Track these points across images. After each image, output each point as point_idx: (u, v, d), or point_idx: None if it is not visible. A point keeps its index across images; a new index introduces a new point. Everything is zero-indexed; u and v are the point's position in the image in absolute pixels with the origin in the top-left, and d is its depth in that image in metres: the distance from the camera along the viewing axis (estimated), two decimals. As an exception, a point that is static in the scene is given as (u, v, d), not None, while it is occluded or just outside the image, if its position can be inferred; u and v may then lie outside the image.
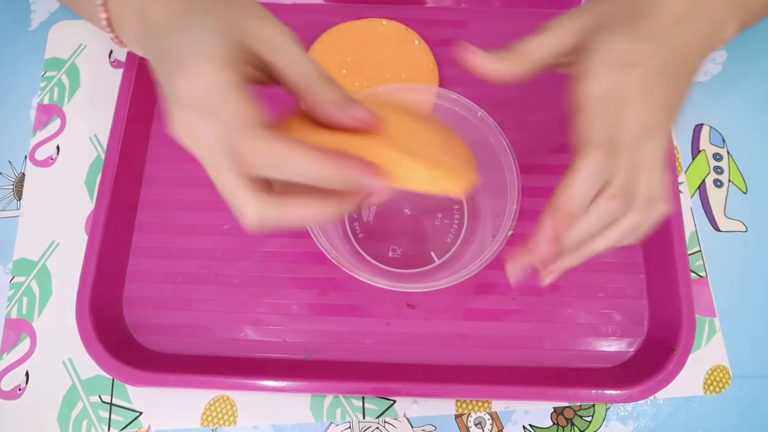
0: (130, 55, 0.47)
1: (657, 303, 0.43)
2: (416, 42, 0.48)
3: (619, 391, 0.39)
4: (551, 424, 0.41)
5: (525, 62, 0.34)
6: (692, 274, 0.44)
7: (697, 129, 0.49)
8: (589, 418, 0.42)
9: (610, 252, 0.37)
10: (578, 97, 0.32)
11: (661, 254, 0.42)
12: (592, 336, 0.42)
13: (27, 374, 0.42)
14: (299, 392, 0.41)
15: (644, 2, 0.33)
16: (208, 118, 0.27)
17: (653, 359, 0.40)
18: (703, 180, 0.47)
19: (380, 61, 0.48)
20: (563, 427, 0.41)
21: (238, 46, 0.28)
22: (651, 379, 0.39)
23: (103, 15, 0.34)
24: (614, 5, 0.34)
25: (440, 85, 0.48)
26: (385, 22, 0.49)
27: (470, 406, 0.42)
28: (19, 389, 0.42)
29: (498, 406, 0.42)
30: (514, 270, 0.33)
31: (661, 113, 0.32)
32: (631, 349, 0.42)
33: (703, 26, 0.33)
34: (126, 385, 0.42)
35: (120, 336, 0.42)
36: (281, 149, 0.27)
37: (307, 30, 0.50)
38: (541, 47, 0.34)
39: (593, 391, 0.39)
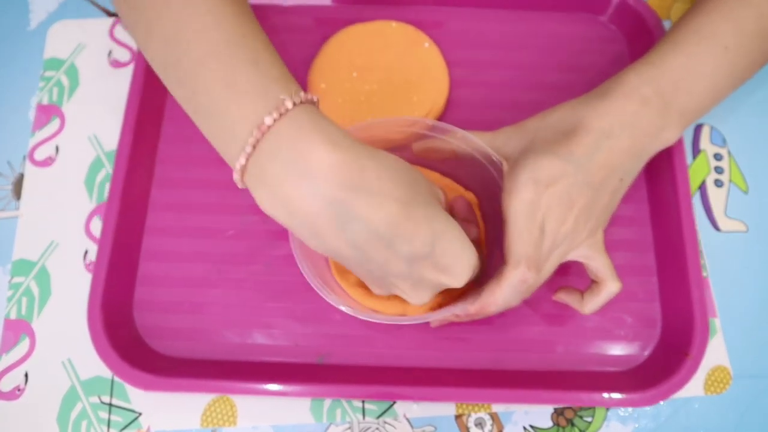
0: (138, 56, 0.47)
1: (669, 306, 0.43)
2: (426, 44, 0.48)
3: (632, 395, 0.39)
4: (551, 424, 0.41)
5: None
6: (693, 275, 0.44)
7: (698, 129, 0.49)
8: (589, 419, 0.41)
9: (622, 256, 0.41)
10: (504, 211, 0.36)
11: (673, 258, 0.42)
12: (604, 340, 0.42)
13: (26, 375, 0.42)
14: (313, 396, 0.41)
15: (573, 120, 0.37)
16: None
17: (666, 363, 0.40)
18: (704, 180, 0.47)
19: (390, 64, 0.47)
20: (563, 428, 0.41)
21: None
22: (665, 383, 0.39)
23: (243, 159, 0.29)
24: (547, 123, 0.38)
25: (450, 87, 0.47)
26: (394, 24, 0.48)
27: (470, 407, 0.42)
28: (19, 390, 0.42)
29: (498, 406, 0.41)
30: (436, 324, 0.41)
31: (579, 225, 0.36)
32: (645, 353, 0.42)
33: (629, 141, 0.37)
34: (126, 385, 0.42)
35: (131, 340, 0.42)
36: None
37: (316, 32, 0.50)
38: (483, 141, 0.39)
39: (606, 395, 0.39)
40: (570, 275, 0.43)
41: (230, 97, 0.30)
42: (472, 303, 0.37)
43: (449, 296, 0.40)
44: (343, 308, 0.37)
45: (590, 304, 0.39)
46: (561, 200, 0.35)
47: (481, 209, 0.43)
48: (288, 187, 0.28)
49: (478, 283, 0.40)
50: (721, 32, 0.38)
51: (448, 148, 0.40)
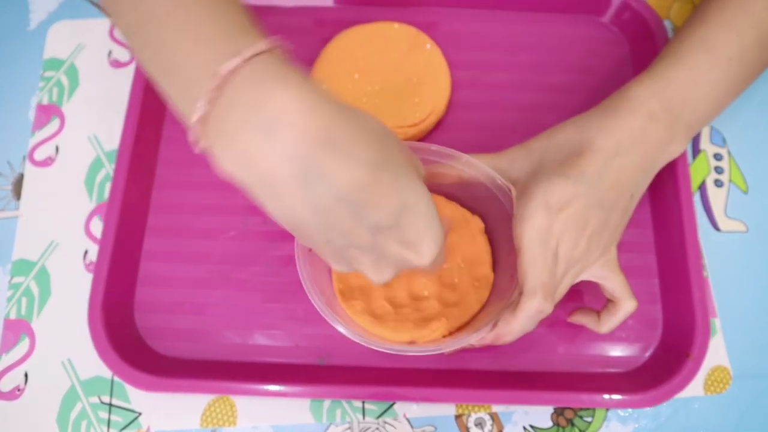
0: None
1: (670, 308, 0.43)
2: (428, 45, 0.48)
3: (633, 397, 0.39)
4: (551, 424, 0.41)
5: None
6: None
7: (698, 129, 0.49)
8: (589, 419, 0.41)
9: (623, 257, 0.40)
10: (517, 238, 0.35)
11: (674, 259, 0.42)
12: (605, 341, 0.42)
13: (26, 375, 0.42)
14: (314, 397, 0.41)
15: (580, 139, 0.36)
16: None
17: (667, 364, 0.40)
18: (704, 180, 0.47)
19: (392, 65, 0.47)
20: (563, 428, 0.41)
21: None
22: (666, 384, 0.39)
23: (200, 110, 0.27)
24: (554, 143, 0.38)
25: (452, 89, 0.47)
26: (396, 25, 0.48)
27: (470, 407, 0.42)
28: (18, 390, 0.42)
29: (498, 406, 0.41)
30: (450, 352, 0.40)
31: (592, 246, 0.36)
32: (645, 354, 0.42)
33: (638, 157, 0.36)
34: (126, 385, 0.42)
35: (132, 341, 0.42)
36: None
37: (318, 33, 0.50)
38: (487, 164, 0.39)
39: (607, 397, 0.39)
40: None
41: (191, 47, 0.28)
42: (488, 332, 0.37)
43: (459, 325, 0.40)
44: (356, 339, 0.36)
45: (608, 324, 0.39)
46: (575, 224, 0.35)
47: (489, 233, 0.43)
48: (246, 138, 0.26)
49: (489, 309, 0.40)
50: (723, 44, 0.38)
51: (453, 173, 0.40)
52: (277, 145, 0.25)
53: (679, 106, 0.37)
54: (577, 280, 0.38)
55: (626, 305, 0.38)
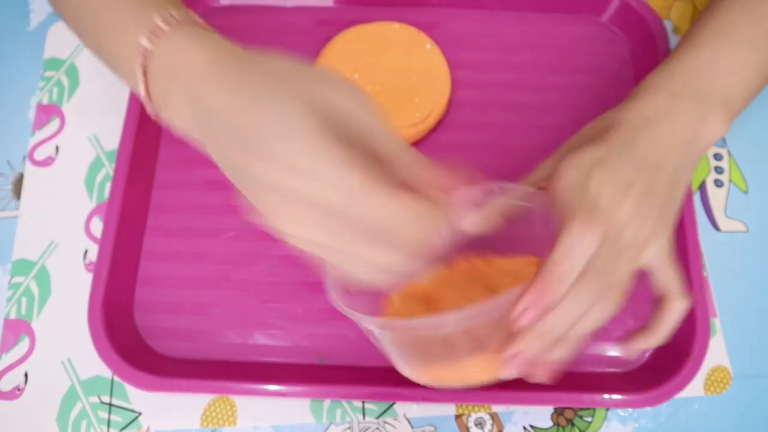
0: None
1: None
2: (428, 45, 0.48)
3: (633, 396, 0.39)
4: (551, 424, 0.41)
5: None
6: (693, 275, 0.44)
7: (698, 129, 0.49)
8: (589, 419, 0.41)
9: None
10: (552, 194, 0.33)
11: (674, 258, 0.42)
12: (605, 341, 0.42)
13: (26, 375, 0.42)
14: (314, 397, 0.41)
15: (605, 123, 0.36)
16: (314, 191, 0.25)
17: (667, 364, 0.40)
18: (704, 180, 0.47)
19: (392, 65, 0.47)
20: (563, 428, 0.41)
21: (323, 118, 0.27)
22: (666, 384, 0.39)
23: (141, 88, 0.30)
24: (580, 134, 0.38)
25: (452, 89, 0.47)
26: (396, 25, 0.48)
27: (470, 407, 0.42)
28: (18, 390, 0.42)
29: (498, 406, 0.41)
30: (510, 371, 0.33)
31: (641, 211, 0.32)
32: (646, 354, 0.42)
33: (668, 130, 0.35)
34: (126, 385, 0.42)
35: (132, 341, 0.42)
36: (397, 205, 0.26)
37: (318, 33, 0.50)
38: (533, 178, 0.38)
39: (607, 396, 0.39)
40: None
41: (117, 24, 0.32)
42: (529, 290, 0.29)
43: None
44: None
45: (663, 328, 0.35)
46: (612, 180, 0.32)
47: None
48: (171, 99, 0.30)
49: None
50: (743, 27, 0.37)
51: (506, 210, 0.35)
52: (181, 95, 0.29)
53: (704, 83, 0.36)
54: (636, 266, 0.33)
55: (680, 303, 0.35)
